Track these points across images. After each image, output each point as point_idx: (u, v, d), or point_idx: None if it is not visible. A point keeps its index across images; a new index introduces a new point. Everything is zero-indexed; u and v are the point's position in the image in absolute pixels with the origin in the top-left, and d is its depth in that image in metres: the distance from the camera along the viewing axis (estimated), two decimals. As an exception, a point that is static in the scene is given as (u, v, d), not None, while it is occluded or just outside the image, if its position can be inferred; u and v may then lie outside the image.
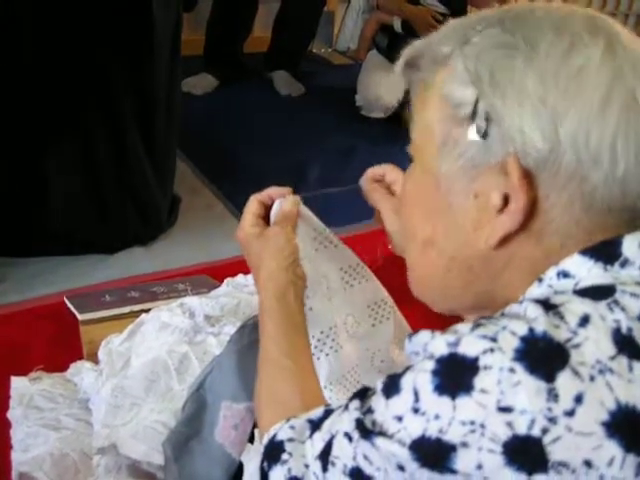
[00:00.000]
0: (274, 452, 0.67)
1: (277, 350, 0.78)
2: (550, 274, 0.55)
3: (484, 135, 0.55)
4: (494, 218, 0.56)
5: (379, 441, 0.52)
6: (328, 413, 0.66)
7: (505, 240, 0.56)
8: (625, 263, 0.54)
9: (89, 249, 1.83)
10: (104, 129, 1.73)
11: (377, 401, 0.54)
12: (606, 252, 0.54)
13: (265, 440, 0.69)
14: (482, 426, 0.47)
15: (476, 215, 0.57)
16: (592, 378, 0.47)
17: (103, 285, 1.65)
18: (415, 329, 0.56)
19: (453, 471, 0.48)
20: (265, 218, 0.91)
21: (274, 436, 0.68)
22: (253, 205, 0.91)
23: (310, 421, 0.67)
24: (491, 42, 0.56)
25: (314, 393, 0.77)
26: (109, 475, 1.03)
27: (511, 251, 0.57)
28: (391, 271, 1.06)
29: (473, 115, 0.55)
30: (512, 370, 0.47)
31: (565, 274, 0.54)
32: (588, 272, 0.54)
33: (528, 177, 0.54)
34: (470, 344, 0.49)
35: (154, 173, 1.87)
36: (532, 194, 0.54)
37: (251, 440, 0.97)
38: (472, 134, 0.55)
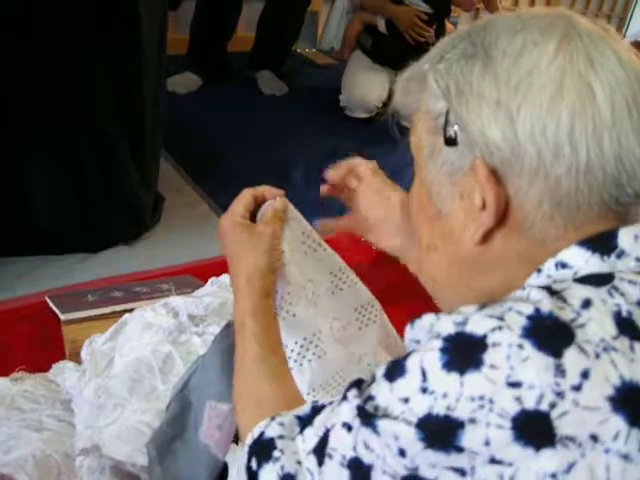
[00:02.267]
0: (263, 450, 0.67)
1: (260, 348, 0.78)
2: (548, 265, 0.56)
3: (455, 142, 0.58)
4: (477, 217, 0.58)
5: (382, 423, 0.52)
6: (317, 409, 0.66)
7: (488, 237, 0.59)
8: (621, 254, 0.55)
9: (72, 248, 1.82)
10: (89, 127, 1.72)
11: (378, 387, 0.54)
12: (603, 243, 0.55)
13: (250, 439, 0.69)
14: (491, 401, 0.48)
15: (464, 217, 0.60)
16: (597, 355, 0.48)
17: (86, 285, 1.64)
18: (401, 331, 0.58)
19: (460, 449, 0.49)
20: (252, 215, 0.90)
21: (261, 434, 0.68)
22: (246, 198, 0.90)
23: (298, 417, 0.67)
24: (458, 55, 0.59)
25: (296, 391, 0.77)
26: (92, 476, 1.02)
27: (498, 246, 0.59)
28: (375, 273, 1.13)
29: (445, 125, 0.58)
30: (521, 346, 0.48)
31: (563, 265, 0.56)
32: (586, 263, 0.55)
33: (495, 176, 0.56)
34: (478, 322, 0.50)
35: (138, 172, 1.86)
36: (502, 192, 0.56)
37: (236, 440, 0.96)
38: (447, 142, 0.59)
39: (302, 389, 0.91)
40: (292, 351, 0.94)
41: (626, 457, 0.48)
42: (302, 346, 0.95)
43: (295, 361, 0.94)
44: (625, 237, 0.55)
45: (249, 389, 0.76)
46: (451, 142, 0.58)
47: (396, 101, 0.67)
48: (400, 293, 1.13)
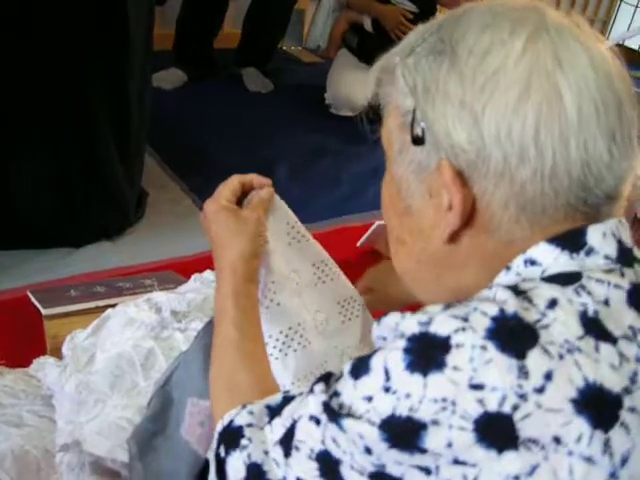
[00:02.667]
0: (232, 438, 0.66)
1: (239, 334, 0.77)
2: (517, 262, 0.56)
3: (421, 141, 0.57)
4: (445, 216, 0.57)
5: (347, 423, 0.52)
6: (287, 400, 0.66)
7: (456, 236, 0.58)
8: (590, 252, 0.55)
9: (55, 243, 1.80)
10: (73, 123, 1.71)
11: (344, 384, 0.54)
12: (572, 241, 0.55)
13: (219, 427, 0.69)
14: (453, 403, 0.48)
15: (433, 215, 0.59)
16: (561, 356, 0.48)
17: (68, 280, 1.63)
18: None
19: (423, 450, 0.48)
20: (238, 201, 0.89)
21: (231, 422, 0.68)
22: (234, 183, 0.89)
23: (268, 407, 0.67)
24: (427, 50, 0.58)
25: (272, 380, 0.77)
26: (72, 473, 1.02)
27: (466, 245, 0.58)
28: (360, 269, 1.12)
29: (413, 123, 0.57)
30: (484, 348, 0.48)
31: (532, 262, 0.55)
32: (555, 260, 0.55)
33: (461, 177, 0.55)
34: (442, 323, 0.50)
35: (123, 166, 1.85)
36: (469, 193, 0.56)
37: (217, 437, 0.96)
38: (414, 141, 0.58)
39: (287, 379, 0.93)
40: (277, 340, 0.93)
41: (589, 459, 0.47)
42: (287, 335, 0.94)
43: (280, 350, 0.94)
44: (594, 235, 0.55)
45: (224, 376, 0.76)
46: (418, 141, 0.57)
47: (370, 91, 0.65)
48: None
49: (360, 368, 0.52)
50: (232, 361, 0.76)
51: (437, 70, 0.56)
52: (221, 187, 0.88)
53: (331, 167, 2.56)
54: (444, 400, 0.48)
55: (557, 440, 0.47)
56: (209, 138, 2.65)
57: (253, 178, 0.91)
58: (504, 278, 0.56)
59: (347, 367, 0.54)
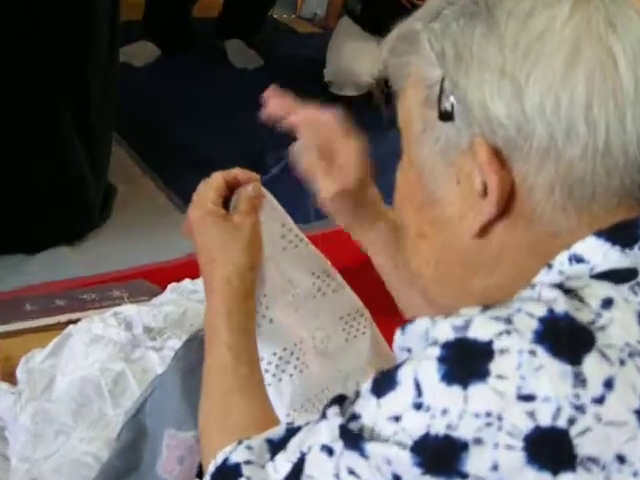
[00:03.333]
0: (228, 478, 0.66)
1: (234, 359, 0.77)
2: (561, 259, 0.56)
3: (451, 117, 0.57)
4: (476, 204, 0.58)
5: (370, 447, 0.51)
6: (292, 432, 0.65)
7: (488, 228, 0.58)
8: None
9: (6, 249, 1.80)
10: (27, 108, 1.70)
11: (364, 404, 0.54)
12: (623, 234, 0.55)
13: (212, 467, 0.68)
14: (499, 418, 0.47)
15: (460, 203, 0.59)
16: (622, 362, 0.48)
17: (23, 291, 1.62)
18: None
19: (464, 475, 0.48)
20: (225, 202, 0.89)
21: (225, 460, 0.67)
22: (218, 181, 0.88)
23: (270, 441, 0.67)
24: (457, 12, 0.58)
25: (272, 412, 0.76)
26: (29, 519, 1.02)
27: (500, 239, 0.59)
28: (364, 278, 1.06)
29: (440, 96, 0.57)
30: (533, 353, 0.48)
31: (578, 259, 0.56)
32: (604, 256, 0.55)
33: (498, 157, 0.55)
34: (481, 326, 0.50)
35: (86, 158, 1.83)
36: (507, 176, 0.56)
37: (199, 475, 0.95)
38: (442, 116, 0.58)
39: (281, 409, 0.91)
40: (270, 364, 0.93)
41: None
42: (281, 358, 0.93)
43: (274, 375, 0.93)
44: None
45: (216, 408, 0.76)
46: (446, 116, 0.57)
47: (384, 62, 0.65)
48: (394, 302, 1.06)
49: (384, 383, 0.52)
50: (224, 391, 0.76)
51: (470, 34, 0.56)
52: (203, 187, 0.88)
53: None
54: (488, 414, 0.48)
55: (620, 459, 0.47)
56: (187, 123, 2.64)
57: (238, 173, 0.90)
58: (545, 277, 0.56)
59: (366, 385, 0.54)
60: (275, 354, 0.93)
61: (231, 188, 0.89)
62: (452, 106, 0.57)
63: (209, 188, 0.87)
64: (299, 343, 0.96)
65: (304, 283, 0.97)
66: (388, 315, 1.08)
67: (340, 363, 1.01)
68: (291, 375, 0.95)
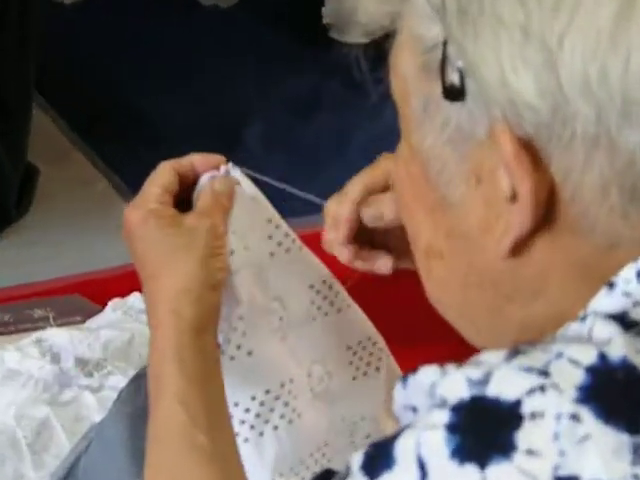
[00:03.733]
0: None
1: (189, 420, 0.76)
2: (625, 275, 0.54)
3: (460, 94, 0.54)
4: (504, 213, 0.55)
5: None
6: None
7: (524, 244, 0.56)
8: None
9: None
10: None
11: None
12: None
13: None
14: None
15: (484, 211, 0.57)
16: None
17: None
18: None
19: None
20: (178, 198, 0.86)
21: None
22: (165, 174, 0.86)
23: None
24: None
25: None
26: None
27: (542, 257, 0.57)
28: (376, 294, 1.07)
29: (443, 64, 0.55)
30: (576, 418, 0.47)
31: None
32: None
33: (529, 150, 0.53)
34: (506, 381, 0.49)
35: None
36: (542, 175, 0.53)
37: None
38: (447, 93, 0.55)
39: (263, 474, 0.91)
40: (247, 412, 0.90)
41: None
42: (263, 404, 0.90)
43: (252, 428, 0.90)
44: None
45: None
46: (454, 94, 0.54)
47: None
48: (417, 326, 1.10)
49: (378, 460, 0.51)
50: (177, 462, 0.75)
51: None
52: (147, 184, 0.86)
53: (329, 128, 2.53)
54: None
55: None
56: (136, 82, 2.62)
57: (195, 160, 0.87)
58: (604, 301, 0.54)
59: (357, 458, 0.52)
60: (255, 399, 0.90)
61: (188, 182, 0.87)
62: (461, 80, 0.53)
63: (153, 183, 0.86)
64: (288, 383, 0.93)
65: (298, 301, 0.94)
66: (410, 345, 1.13)
67: (345, 410, 0.99)
68: (276, 427, 0.92)
